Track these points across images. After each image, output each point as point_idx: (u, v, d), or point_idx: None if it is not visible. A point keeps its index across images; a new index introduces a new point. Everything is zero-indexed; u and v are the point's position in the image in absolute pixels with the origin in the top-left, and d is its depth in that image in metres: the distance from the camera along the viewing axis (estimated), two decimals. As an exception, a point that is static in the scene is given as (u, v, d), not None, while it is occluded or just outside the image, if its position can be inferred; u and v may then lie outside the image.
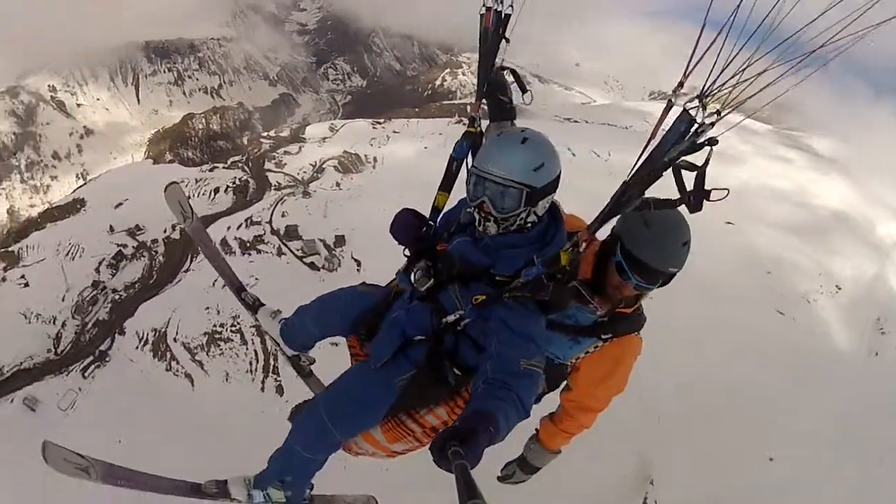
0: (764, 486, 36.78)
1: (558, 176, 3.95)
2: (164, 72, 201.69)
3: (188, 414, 46.76)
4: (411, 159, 78.31)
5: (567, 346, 4.58)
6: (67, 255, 68.12)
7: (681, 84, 3.27)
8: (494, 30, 4.47)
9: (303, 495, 5.27)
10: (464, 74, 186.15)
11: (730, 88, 3.01)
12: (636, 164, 3.44)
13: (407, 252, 4.48)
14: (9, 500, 41.07)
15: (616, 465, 37.92)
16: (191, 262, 63.98)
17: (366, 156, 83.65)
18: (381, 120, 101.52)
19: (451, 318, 4.12)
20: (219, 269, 6.61)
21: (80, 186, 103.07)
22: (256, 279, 55.39)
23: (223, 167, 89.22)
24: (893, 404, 40.08)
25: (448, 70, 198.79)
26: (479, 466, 2.75)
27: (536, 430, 5.23)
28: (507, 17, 4.42)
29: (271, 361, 49.18)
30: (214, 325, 53.32)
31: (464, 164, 4.43)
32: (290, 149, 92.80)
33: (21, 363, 54.51)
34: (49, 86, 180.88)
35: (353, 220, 62.47)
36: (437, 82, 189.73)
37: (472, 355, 4.17)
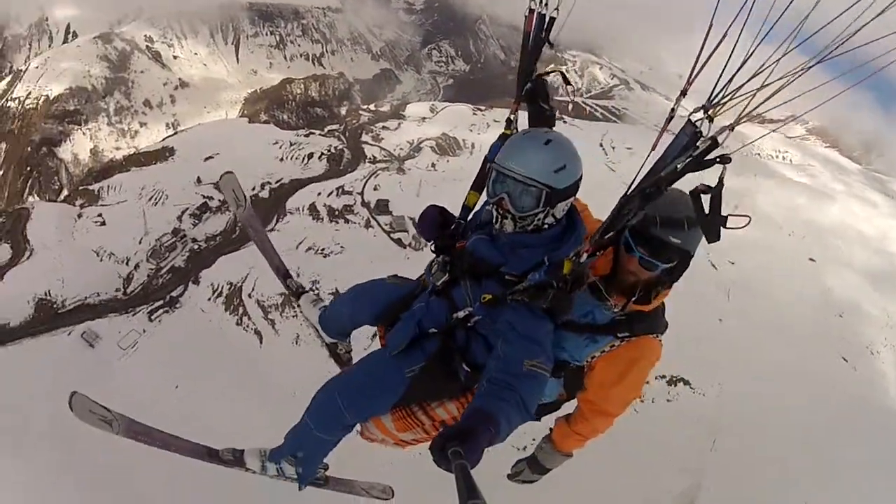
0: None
1: (579, 180, 4.02)
2: (266, 34, 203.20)
3: (251, 370, 46.94)
4: (508, 150, 78.37)
5: (583, 345, 4.48)
6: (150, 200, 68.60)
7: (683, 93, 3.16)
8: (536, 33, 4.44)
9: (314, 473, 5.51)
10: (567, 72, 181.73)
11: (746, 98, 2.85)
12: (636, 176, 3.35)
13: (432, 248, 4.57)
14: (49, 419, 40.63)
15: (665, 483, 41.39)
16: (276, 223, 64.19)
17: (464, 140, 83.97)
18: (483, 107, 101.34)
19: (460, 313, 4.22)
20: (266, 255, 6.84)
21: (171, 135, 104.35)
22: (342, 248, 57.22)
23: (319, 134, 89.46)
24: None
25: (552, 65, 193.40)
26: (479, 466, 2.76)
27: (550, 429, 5.20)
28: (552, 20, 4.37)
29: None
30: None
31: None
32: (388, 124, 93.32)
33: (86, 298, 54.78)
34: (146, 36, 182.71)
35: (445, 203, 60.99)
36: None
37: (483, 353, 4.19)
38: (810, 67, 2.73)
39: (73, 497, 38.40)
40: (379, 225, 62.34)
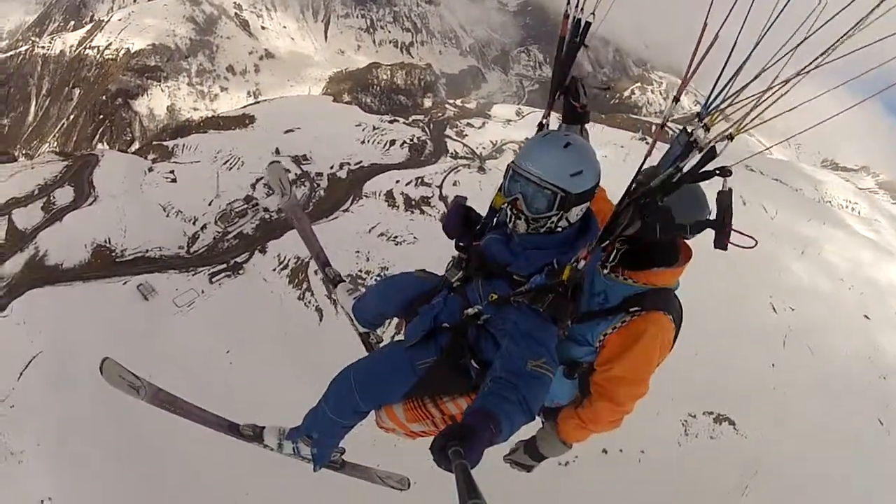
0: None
1: (595, 185, 3.99)
2: (357, 17, 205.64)
3: (306, 347, 46.68)
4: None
5: (595, 324, 4.32)
6: (225, 164, 68.95)
7: (676, 99, 3.10)
8: (571, 38, 4.36)
9: (329, 455, 5.39)
10: (653, 92, 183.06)
11: (747, 106, 2.83)
12: (629, 185, 3.39)
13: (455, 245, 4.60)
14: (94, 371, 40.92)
15: None
16: (351, 204, 64.51)
17: None
18: None
19: (471, 310, 4.23)
20: (308, 244, 6.80)
21: (253, 103, 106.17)
22: (416, 238, 57.56)
23: (403, 122, 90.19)
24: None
25: (638, 84, 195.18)
26: (479, 466, 2.77)
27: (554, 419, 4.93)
28: (588, 24, 4.27)
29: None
30: (360, 270, 53.52)
31: None
32: (473, 122, 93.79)
33: (147, 251, 54.99)
34: (235, 2, 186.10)
35: None
36: (626, 93, 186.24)
37: (492, 351, 4.15)
38: (811, 70, 2.58)
39: (109, 439, 38.66)
40: None
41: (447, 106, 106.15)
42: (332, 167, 70.27)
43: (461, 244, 4.50)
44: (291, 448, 5.30)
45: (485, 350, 4.20)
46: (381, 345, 5.64)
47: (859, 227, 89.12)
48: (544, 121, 4.57)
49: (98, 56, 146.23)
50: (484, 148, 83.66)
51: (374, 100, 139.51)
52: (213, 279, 52.75)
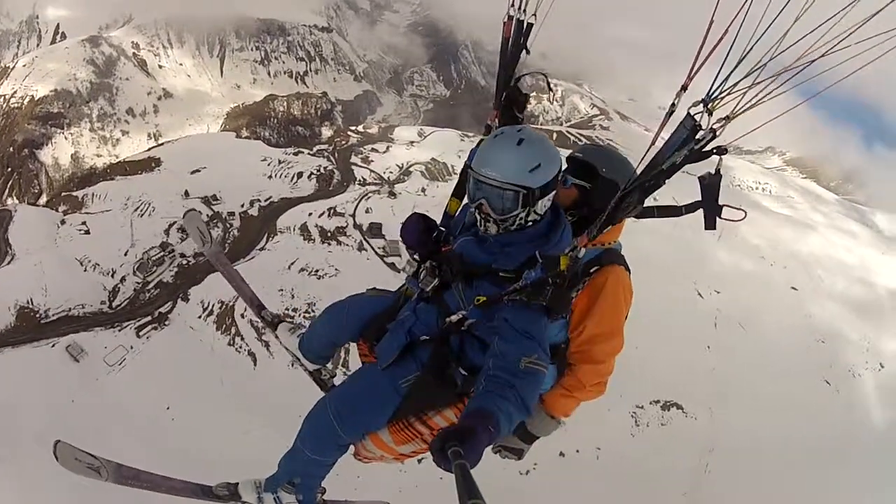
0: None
1: (557, 175, 3.96)
2: (252, 49, 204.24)
3: (246, 393, 46.32)
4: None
5: None
6: (136, 211, 67.24)
7: (684, 87, 3.17)
8: (515, 40, 4.48)
9: (314, 499, 5.21)
10: (549, 101, 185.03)
11: (741, 92, 3.01)
12: (636, 169, 3.51)
13: (416, 256, 4.51)
14: (34, 441, 38.17)
15: None
16: (267, 241, 63.63)
17: (453, 167, 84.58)
18: (471, 133, 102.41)
19: (454, 317, 4.09)
20: (238, 290, 6.62)
21: (158, 146, 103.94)
22: (337, 270, 57.08)
23: (308, 153, 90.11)
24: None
25: (534, 94, 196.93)
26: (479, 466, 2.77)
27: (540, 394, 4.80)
28: (529, 26, 4.40)
29: (342, 354, 47.38)
30: (287, 309, 52.50)
31: None
32: (377, 146, 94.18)
33: (70, 309, 53.14)
34: (133, 42, 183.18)
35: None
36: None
37: (479, 356, 4.04)
38: (795, 66, 2.83)
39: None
40: (372, 248, 62.21)
41: (350, 133, 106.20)
42: (242, 205, 69.41)
43: (424, 254, 4.42)
44: (272, 499, 5.10)
45: (471, 355, 4.14)
46: (333, 378, 5.73)
47: (773, 206, 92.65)
48: (490, 123, 4.64)
49: (4, 105, 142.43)
50: (391, 172, 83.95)
51: (272, 133, 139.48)
52: (140, 333, 51.22)
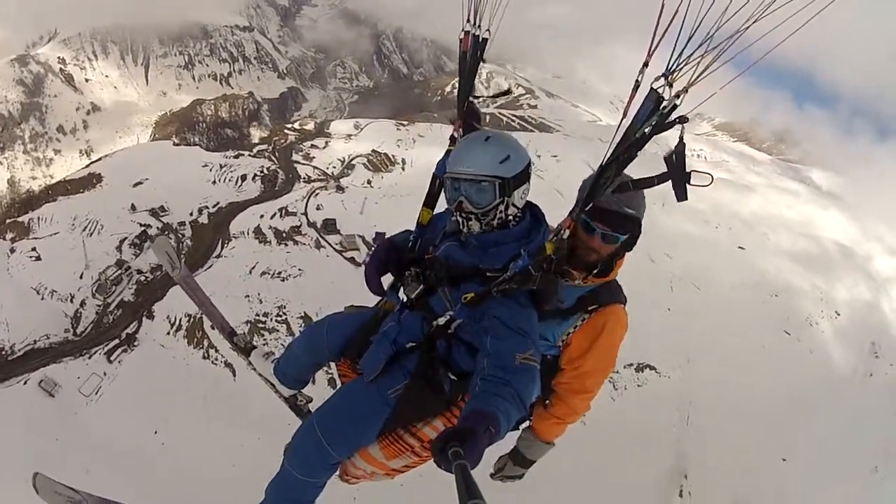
0: (779, 482, 44.72)
1: (527, 166, 4.00)
2: (175, 55, 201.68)
3: (231, 406, 45.15)
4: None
5: (556, 325, 4.35)
6: (85, 230, 64.94)
7: (646, 64, 3.33)
8: (472, 53, 4.53)
9: None
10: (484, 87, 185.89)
11: (695, 64, 3.10)
12: (610, 145, 3.56)
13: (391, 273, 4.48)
14: (21, 489, 37.53)
15: (655, 461, 45.73)
16: (222, 248, 62.31)
17: (394, 156, 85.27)
18: (405, 122, 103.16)
19: (441, 320, 3.99)
20: (209, 315, 6.34)
21: (95, 161, 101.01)
22: (300, 270, 56.67)
23: (249, 155, 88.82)
24: (885, 421, 48.09)
25: (457, 78, 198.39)
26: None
27: (530, 420, 4.77)
28: (485, 41, 4.48)
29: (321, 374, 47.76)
30: (257, 314, 52.17)
31: None
32: (316, 142, 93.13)
33: (35, 342, 50.99)
34: (59, 58, 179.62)
35: (390, 218, 60.54)
36: (448, 89, 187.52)
37: (467, 360, 4.00)
38: (740, 35, 2.92)
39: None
40: (330, 245, 61.79)
41: (287, 131, 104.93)
42: (191, 213, 67.91)
43: (397, 273, 4.34)
44: None
45: (458, 360, 4.02)
46: (310, 404, 5.57)
47: (709, 171, 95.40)
48: (455, 133, 4.58)
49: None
50: (334, 167, 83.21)
51: (202, 138, 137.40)
52: (111, 358, 49.56)
